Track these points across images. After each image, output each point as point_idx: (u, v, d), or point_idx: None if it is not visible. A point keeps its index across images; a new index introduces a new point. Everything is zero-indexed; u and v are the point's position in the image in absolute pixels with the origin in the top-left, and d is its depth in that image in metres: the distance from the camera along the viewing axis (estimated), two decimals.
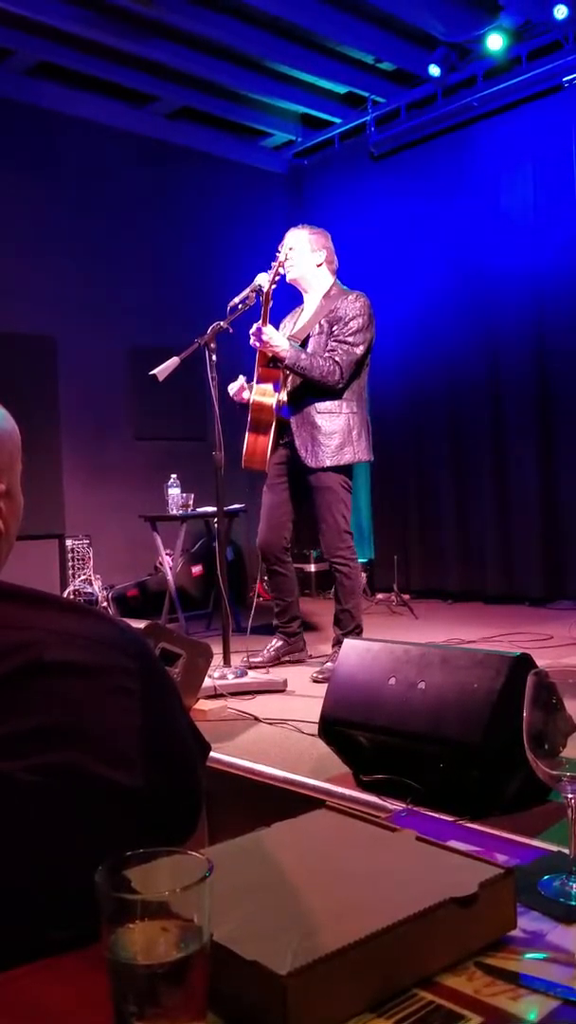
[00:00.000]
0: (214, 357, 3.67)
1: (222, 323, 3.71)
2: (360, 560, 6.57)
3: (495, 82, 5.82)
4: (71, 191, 6.08)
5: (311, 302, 4.05)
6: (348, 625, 3.92)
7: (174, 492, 5.21)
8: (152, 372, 3.74)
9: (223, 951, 0.64)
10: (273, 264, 3.88)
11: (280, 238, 4.03)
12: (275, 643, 4.09)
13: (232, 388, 3.95)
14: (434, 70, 5.91)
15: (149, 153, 6.50)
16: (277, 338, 3.77)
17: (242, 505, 5.30)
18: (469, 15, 5.56)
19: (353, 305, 3.85)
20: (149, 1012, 0.55)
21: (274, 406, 3.84)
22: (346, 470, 3.88)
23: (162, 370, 3.72)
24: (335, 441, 3.81)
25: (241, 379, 3.96)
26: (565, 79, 5.50)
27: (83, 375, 6.08)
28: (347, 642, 2.29)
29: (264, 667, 3.94)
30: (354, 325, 3.82)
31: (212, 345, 3.66)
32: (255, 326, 3.78)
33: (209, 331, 3.67)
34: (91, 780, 0.77)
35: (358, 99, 6.57)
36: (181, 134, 6.66)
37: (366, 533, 6.87)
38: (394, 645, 2.19)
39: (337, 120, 6.82)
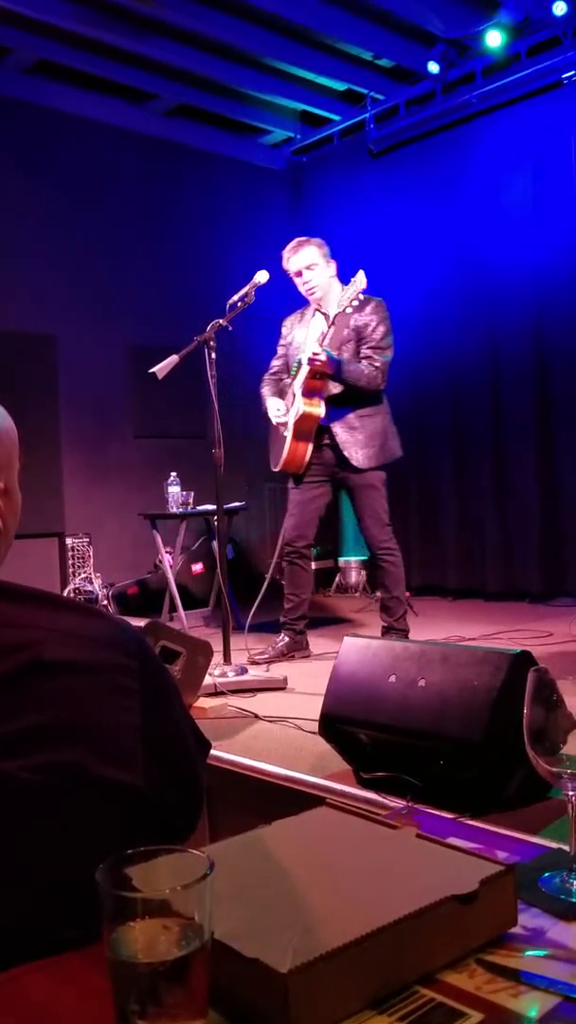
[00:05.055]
0: (214, 355, 3.66)
1: (221, 320, 3.71)
2: (360, 558, 6.63)
3: (494, 79, 5.80)
4: (70, 189, 6.07)
5: (323, 308, 4.12)
6: (397, 611, 4.05)
7: (174, 490, 5.21)
8: (152, 370, 3.74)
9: (224, 949, 0.64)
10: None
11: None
12: (282, 639, 4.13)
13: (278, 416, 4.06)
14: (433, 67, 5.90)
15: (148, 151, 6.49)
16: (330, 357, 3.85)
17: (242, 503, 5.29)
18: (468, 11, 5.56)
19: (377, 311, 4.02)
20: (151, 1010, 0.55)
21: (322, 415, 3.96)
22: (385, 467, 4.10)
23: (162, 368, 3.72)
24: (378, 442, 4.03)
25: (281, 404, 4.09)
26: (564, 76, 5.49)
27: (83, 373, 6.07)
28: (347, 640, 2.29)
29: (266, 663, 3.95)
30: (382, 329, 4.02)
31: (212, 343, 3.66)
32: (318, 353, 3.81)
33: (209, 329, 3.67)
34: (91, 779, 0.77)
35: (357, 96, 6.56)
36: (180, 132, 6.66)
37: None
38: (394, 642, 2.19)
39: (336, 117, 6.81)
